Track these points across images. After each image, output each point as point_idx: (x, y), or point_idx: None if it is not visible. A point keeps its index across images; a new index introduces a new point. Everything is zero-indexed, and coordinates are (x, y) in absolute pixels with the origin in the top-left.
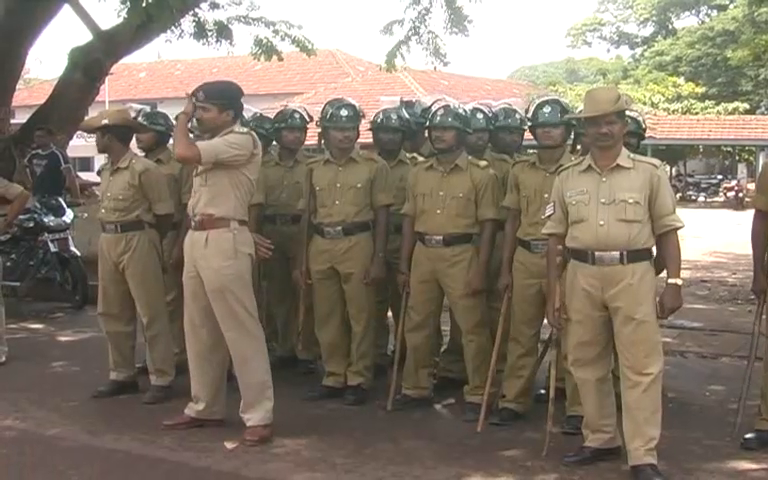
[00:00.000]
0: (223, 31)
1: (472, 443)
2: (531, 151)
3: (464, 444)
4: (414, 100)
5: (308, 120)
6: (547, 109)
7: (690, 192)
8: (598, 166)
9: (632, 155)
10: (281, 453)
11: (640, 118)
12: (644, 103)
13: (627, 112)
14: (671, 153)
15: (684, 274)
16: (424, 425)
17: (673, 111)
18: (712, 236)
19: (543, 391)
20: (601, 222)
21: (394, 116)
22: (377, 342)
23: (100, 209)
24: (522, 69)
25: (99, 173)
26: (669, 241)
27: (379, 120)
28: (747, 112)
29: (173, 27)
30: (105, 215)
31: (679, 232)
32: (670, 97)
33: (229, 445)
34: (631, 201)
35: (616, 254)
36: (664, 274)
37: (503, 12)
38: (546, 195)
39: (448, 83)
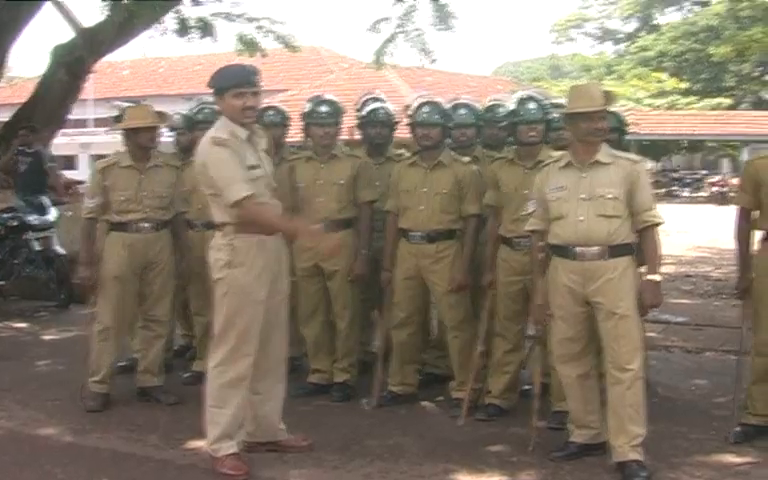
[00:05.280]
0: (206, 28)
1: (458, 439)
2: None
3: (450, 440)
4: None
5: (284, 117)
6: (532, 105)
7: (674, 187)
8: (578, 162)
9: (612, 151)
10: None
11: (621, 114)
12: (628, 99)
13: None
14: (655, 149)
15: (668, 269)
16: (410, 421)
17: (657, 107)
18: (696, 231)
19: (528, 387)
20: (581, 218)
21: (381, 110)
22: (363, 339)
23: (119, 208)
24: (506, 65)
25: (102, 171)
26: (648, 237)
27: (365, 114)
28: (730, 107)
29: (156, 24)
30: (139, 214)
31: (663, 227)
32: (654, 93)
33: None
34: (611, 197)
35: (597, 250)
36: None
37: (488, 9)
38: (526, 192)
39: (432, 79)
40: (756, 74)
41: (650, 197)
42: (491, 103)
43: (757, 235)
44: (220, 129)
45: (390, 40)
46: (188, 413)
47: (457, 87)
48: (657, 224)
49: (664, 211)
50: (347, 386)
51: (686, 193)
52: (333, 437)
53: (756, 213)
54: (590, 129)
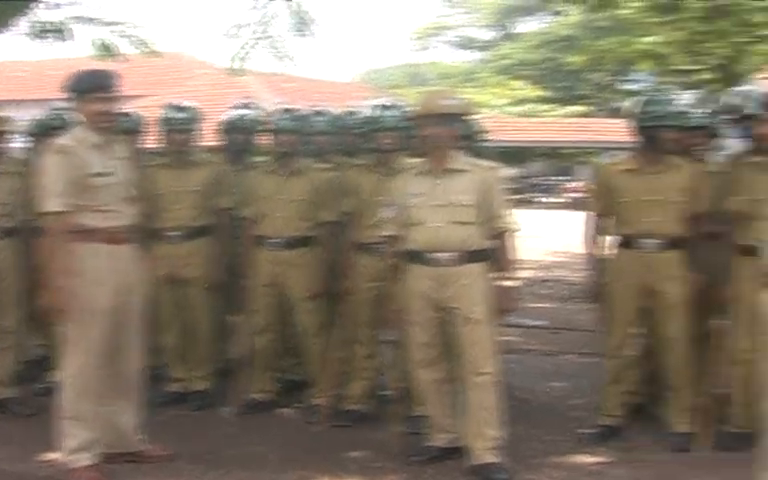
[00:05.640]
0: (61, 31)
1: (318, 446)
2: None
3: (310, 447)
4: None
5: (139, 123)
6: (388, 113)
7: (532, 193)
8: (433, 169)
9: (467, 158)
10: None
11: (476, 121)
12: (488, 107)
13: (464, 115)
14: (515, 155)
15: (526, 274)
16: (270, 429)
17: (516, 114)
18: (553, 236)
19: (388, 392)
20: (436, 224)
21: (242, 117)
22: (222, 347)
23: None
24: (369, 72)
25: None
26: (503, 243)
27: (226, 120)
28: (587, 115)
29: (8, 27)
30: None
31: (522, 233)
32: (513, 100)
33: None
34: (465, 203)
35: (452, 256)
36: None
37: (350, 16)
38: (382, 198)
39: (296, 86)
40: (611, 83)
41: (504, 203)
42: (348, 110)
43: (609, 240)
44: (68, 135)
45: (248, 46)
46: (44, 425)
47: (320, 94)
48: (511, 230)
49: (523, 217)
50: (206, 394)
51: (544, 199)
52: (192, 446)
53: (608, 218)
54: (432, 134)
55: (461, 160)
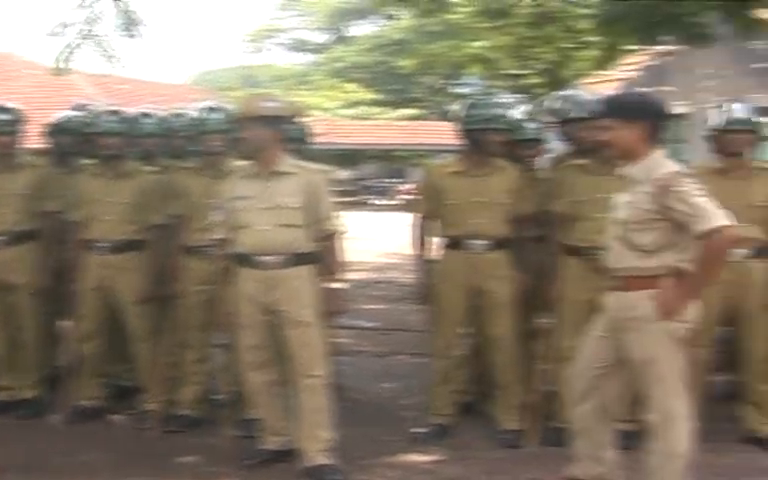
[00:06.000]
0: None
1: (150, 451)
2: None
3: (142, 453)
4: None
5: None
6: (215, 115)
7: (366, 195)
8: (260, 172)
9: (294, 160)
10: None
11: (304, 124)
12: (321, 109)
13: (287, 118)
14: (348, 158)
15: (359, 275)
16: (100, 436)
17: (349, 117)
18: (386, 238)
19: (220, 396)
20: (263, 227)
21: (71, 118)
22: (50, 353)
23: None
24: (202, 74)
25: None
26: (329, 245)
27: (53, 122)
28: (419, 118)
29: None
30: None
31: (355, 235)
32: (346, 103)
33: None
34: (291, 206)
35: (279, 258)
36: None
37: (183, 17)
38: (211, 200)
39: (130, 87)
40: (443, 86)
41: (331, 206)
42: (176, 113)
43: (437, 242)
44: None
45: (73, 45)
46: None
47: (154, 96)
48: (339, 232)
49: (356, 219)
50: (35, 402)
51: (377, 201)
52: (20, 456)
53: (435, 220)
54: (254, 137)
55: (288, 163)
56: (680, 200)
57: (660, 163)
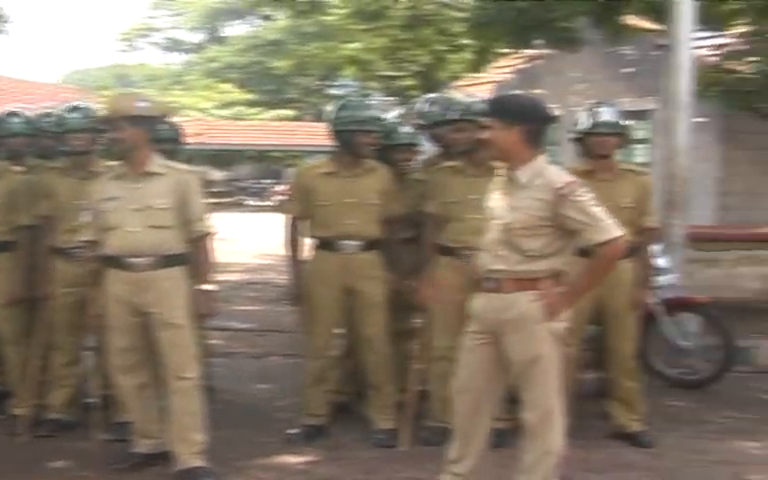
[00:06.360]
0: None
1: (20, 457)
2: None
3: (12, 458)
4: None
5: None
6: (77, 114)
7: (241, 196)
8: (129, 172)
9: (164, 161)
10: None
11: (176, 124)
12: (196, 109)
13: (156, 118)
14: (223, 159)
15: (234, 277)
16: None
17: (224, 117)
18: (262, 239)
19: (90, 399)
20: (133, 228)
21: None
22: None
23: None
24: (74, 73)
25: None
26: (200, 247)
27: None
28: (294, 119)
29: None
30: None
31: (231, 236)
32: (221, 103)
33: None
34: (161, 207)
35: (149, 260)
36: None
37: (54, 14)
38: (80, 202)
39: None
40: (318, 87)
41: (201, 207)
42: (43, 112)
43: (309, 243)
44: None
45: None
46: None
47: (23, 94)
48: (209, 233)
49: (232, 220)
50: None
51: (253, 202)
52: None
53: (307, 221)
54: (121, 137)
55: (158, 163)
56: (578, 209)
57: (548, 169)
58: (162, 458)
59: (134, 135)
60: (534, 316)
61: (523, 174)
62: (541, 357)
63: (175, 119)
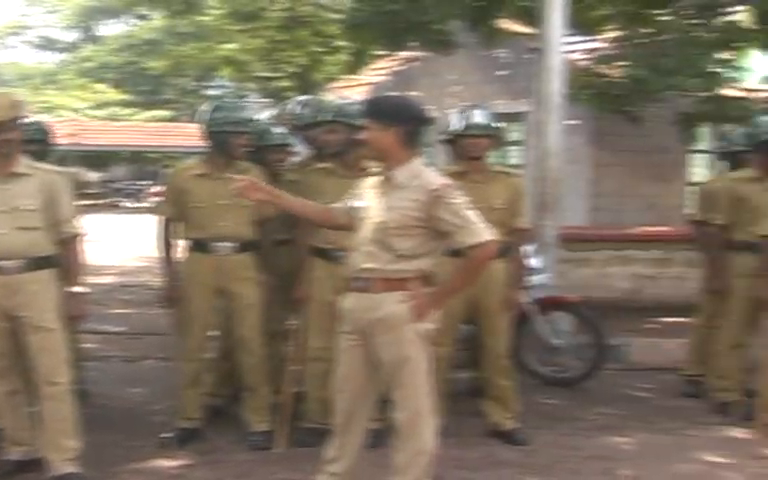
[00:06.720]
0: None
1: None
2: None
3: None
4: None
5: None
6: None
7: (116, 198)
8: None
9: (32, 162)
10: None
11: (46, 125)
12: (70, 109)
13: (23, 119)
14: (97, 159)
15: (108, 279)
16: None
17: (98, 117)
18: (137, 241)
19: None
20: (1, 230)
21: None
22: None
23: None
24: None
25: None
26: (69, 248)
27: None
28: (170, 120)
29: None
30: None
31: (106, 238)
32: (95, 103)
33: None
34: (29, 208)
35: (18, 263)
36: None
37: None
38: None
39: None
40: (195, 88)
41: (70, 208)
42: None
43: (183, 244)
44: None
45: None
46: None
47: None
48: (78, 235)
49: (106, 222)
50: None
51: (129, 203)
52: None
53: (180, 223)
54: (6, 140)
55: (24, 164)
56: (451, 212)
57: (425, 171)
58: (35, 465)
59: (18, 136)
60: (402, 317)
61: (400, 174)
62: (409, 358)
63: (45, 119)
